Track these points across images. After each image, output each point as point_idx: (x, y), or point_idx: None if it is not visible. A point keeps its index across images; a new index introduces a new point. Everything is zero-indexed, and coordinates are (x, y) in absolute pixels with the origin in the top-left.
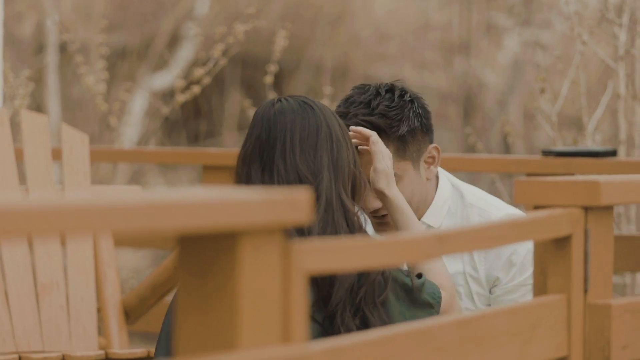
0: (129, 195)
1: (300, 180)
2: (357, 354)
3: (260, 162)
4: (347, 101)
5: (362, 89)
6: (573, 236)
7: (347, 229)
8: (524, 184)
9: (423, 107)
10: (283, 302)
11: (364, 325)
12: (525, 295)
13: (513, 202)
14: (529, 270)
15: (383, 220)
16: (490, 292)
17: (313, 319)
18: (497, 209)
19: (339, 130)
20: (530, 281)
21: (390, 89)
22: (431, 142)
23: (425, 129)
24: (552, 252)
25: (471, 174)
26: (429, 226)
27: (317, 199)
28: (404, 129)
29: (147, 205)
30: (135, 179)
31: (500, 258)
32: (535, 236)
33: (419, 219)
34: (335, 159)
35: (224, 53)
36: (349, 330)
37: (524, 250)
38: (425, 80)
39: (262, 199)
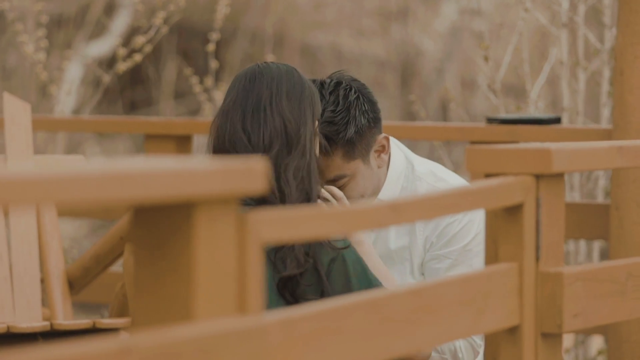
0: (82, 166)
1: (284, 127)
2: (310, 324)
3: (242, 111)
4: None
5: None
6: (525, 204)
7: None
8: (475, 152)
9: (369, 101)
10: (239, 273)
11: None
12: (450, 269)
13: (455, 169)
14: (460, 243)
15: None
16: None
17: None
18: (446, 183)
19: (317, 98)
20: (456, 255)
21: (335, 88)
22: (380, 132)
23: (372, 123)
24: (503, 221)
25: (411, 141)
26: None
27: (295, 146)
28: (351, 131)
29: (100, 175)
30: (72, 147)
31: (438, 226)
32: (487, 204)
33: (375, 198)
34: (314, 117)
35: (165, 21)
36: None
37: (463, 222)
38: (362, 47)
39: (218, 169)
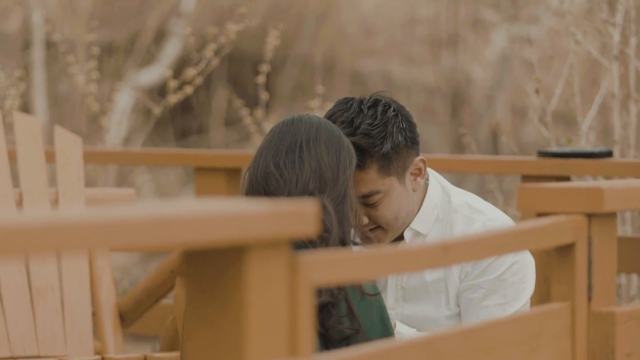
0: (131, 211)
1: (321, 170)
2: None
3: (276, 150)
4: (330, 119)
5: (345, 104)
6: (577, 243)
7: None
8: (527, 191)
9: (407, 120)
10: (290, 315)
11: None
12: (484, 299)
13: (506, 199)
14: (494, 273)
15: (369, 234)
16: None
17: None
18: (482, 214)
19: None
20: (490, 285)
21: (374, 104)
22: (417, 155)
23: (410, 143)
24: (555, 260)
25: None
26: (417, 232)
27: (331, 190)
28: (387, 146)
29: (151, 220)
30: (122, 176)
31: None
32: (539, 244)
33: (407, 227)
34: (351, 168)
35: (216, 53)
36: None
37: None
38: (412, 75)
39: (269, 211)
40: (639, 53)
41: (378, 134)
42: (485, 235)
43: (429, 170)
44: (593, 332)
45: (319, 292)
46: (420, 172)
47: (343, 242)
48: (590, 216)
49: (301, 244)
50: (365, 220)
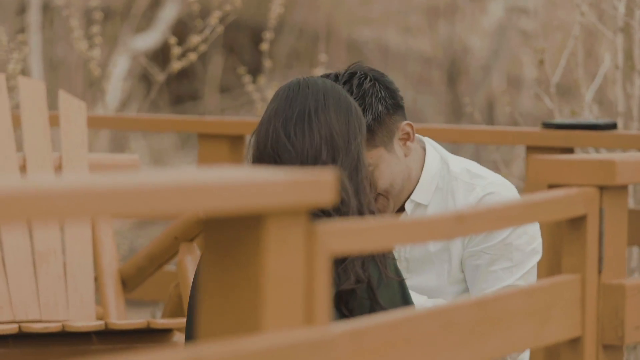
0: (145, 178)
1: (332, 138)
2: (378, 335)
3: (285, 118)
4: None
5: None
6: (588, 216)
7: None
8: (538, 162)
9: (386, 88)
10: (306, 284)
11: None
12: (491, 265)
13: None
14: (498, 238)
15: (378, 200)
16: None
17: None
18: (482, 179)
19: (362, 116)
20: (495, 250)
21: (349, 78)
22: (404, 119)
23: (392, 110)
24: (566, 232)
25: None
26: (417, 204)
27: (345, 158)
28: (368, 119)
29: (170, 188)
30: (117, 141)
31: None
32: (550, 216)
33: (408, 197)
34: (362, 134)
35: (221, 20)
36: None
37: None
38: (409, 44)
39: (288, 180)
40: None
41: None
42: (500, 207)
43: (427, 140)
44: (603, 304)
45: (343, 276)
46: (409, 137)
47: (360, 213)
48: (602, 188)
49: (318, 216)
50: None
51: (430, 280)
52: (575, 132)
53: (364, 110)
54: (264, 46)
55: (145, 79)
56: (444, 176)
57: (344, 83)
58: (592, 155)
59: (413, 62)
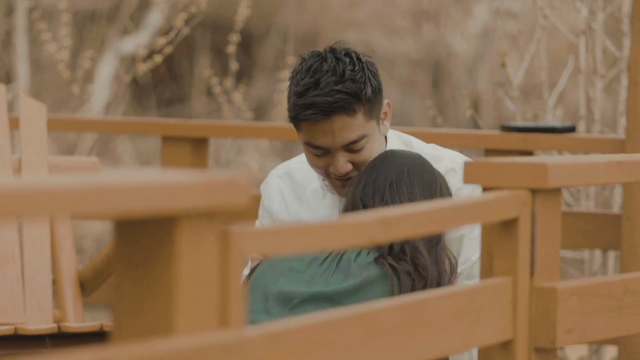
0: (66, 180)
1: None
2: (296, 338)
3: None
4: (311, 70)
5: (319, 55)
6: (520, 218)
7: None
8: (472, 165)
9: (373, 66)
10: (221, 287)
11: None
12: (474, 229)
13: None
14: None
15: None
16: None
17: None
18: (447, 152)
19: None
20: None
21: (347, 52)
22: (383, 98)
23: (380, 87)
24: (499, 234)
25: None
26: None
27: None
28: (369, 90)
29: (84, 189)
30: (103, 144)
31: None
32: (482, 218)
33: None
34: None
35: (187, 22)
36: None
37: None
38: (395, 47)
39: (200, 182)
40: (606, 28)
41: (361, 78)
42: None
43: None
44: (535, 307)
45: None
46: (386, 116)
47: (439, 284)
48: (534, 192)
49: (404, 284)
50: (349, 167)
51: None
52: (534, 135)
53: (365, 83)
54: (230, 49)
55: (133, 82)
56: None
57: (345, 55)
58: (525, 159)
59: (399, 65)
